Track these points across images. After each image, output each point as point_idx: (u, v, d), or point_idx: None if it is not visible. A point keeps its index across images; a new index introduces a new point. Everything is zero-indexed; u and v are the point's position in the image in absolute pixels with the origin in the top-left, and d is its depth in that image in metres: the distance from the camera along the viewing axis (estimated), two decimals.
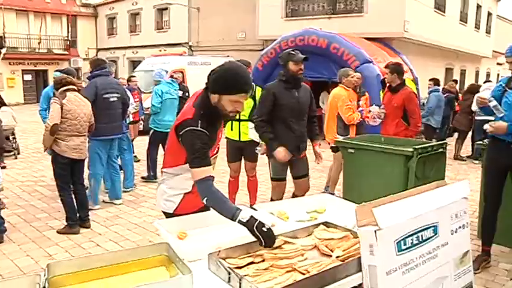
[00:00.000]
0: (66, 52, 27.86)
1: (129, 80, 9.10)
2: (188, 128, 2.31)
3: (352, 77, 6.00)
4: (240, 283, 1.75)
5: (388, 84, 5.63)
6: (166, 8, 23.71)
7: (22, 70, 26.08)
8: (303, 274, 1.91)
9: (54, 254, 4.38)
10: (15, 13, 25.84)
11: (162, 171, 2.69)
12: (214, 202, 2.27)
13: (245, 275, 1.81)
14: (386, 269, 1.97)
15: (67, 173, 4.96)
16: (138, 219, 5.43)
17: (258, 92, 5.03)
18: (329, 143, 6.21)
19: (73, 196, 5.05)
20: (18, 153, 9.45)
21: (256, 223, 2.09)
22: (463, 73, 22.78)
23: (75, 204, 5.05)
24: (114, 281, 1.90)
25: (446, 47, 18.39)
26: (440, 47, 17.77)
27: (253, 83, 5.07)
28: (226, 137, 5.29)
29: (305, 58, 4.26)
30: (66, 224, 4.99)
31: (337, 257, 2.08)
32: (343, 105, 5.84)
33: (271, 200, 4.71)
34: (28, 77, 26.50)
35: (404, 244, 2.02)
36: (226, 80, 2.33)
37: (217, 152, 2.69)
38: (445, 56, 19.38)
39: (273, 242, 2.10)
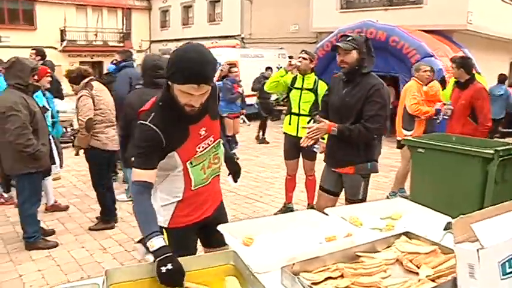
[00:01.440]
0: (121, 44, 28.52)
1: (229, 71, 8.84)
2: (139, 121, 1.99)
3: (425, 72, 5.74)
4: None
5: (455, 80, 5.23)
6: (218, 0, 23.73)
7: (80, 62, 26.97)
8: None
9: (108, 248, 4.34)
10: (75, 8, 26.82)
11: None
12: (137, 211, 1.92)
13: None
14: None
15: (105, 167, 4.86)
16: None
17: (321, 86, 4.76)
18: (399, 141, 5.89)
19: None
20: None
21: (161, 258, 1.70)
22: None
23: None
24: None
25: None
26: (505, 39, 16.64)
27: (315, 77, 4.90)
28: (284, 132, 5.07)
29: (334, 47, 3.34)
30: (100, 219, 4.92)
31: (426, 276, 1.81)
32: (409, 95, 5.56)
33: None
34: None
35: (510, 267, 1.72)
36: (174, 64, 1.87)
37: (205, 151, 2.16)
38: (510, 49, 18.16)
39: (172, 284, 1.68)
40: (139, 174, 1.94)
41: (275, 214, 5.20)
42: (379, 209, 2.67)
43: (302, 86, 4.84)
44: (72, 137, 9.43)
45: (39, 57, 6.35)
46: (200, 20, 25.27)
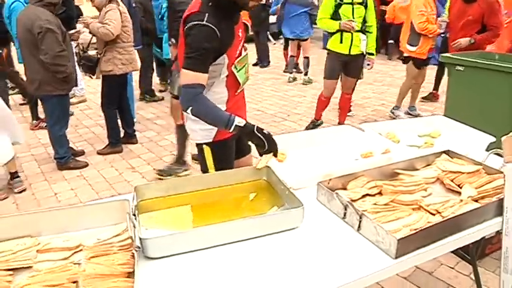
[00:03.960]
0: None
1: None
2: (192, 23, 1.83)
3: None
4: (360, 221, 1.45)
5: None
6: None
7: None
8: (433, 214, 1.57)
9: (137, 167, 4.37)
10: None
11: None
12: (201, 110, 1.84)
13: (363, 211, 1.50)
14: None
15: (117, 91, 4.65)
16: None
17: None
18: (403, 53, 5.68)
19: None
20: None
21: (256, 126, 1.79)
22: None
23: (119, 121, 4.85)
24: (208, 206, 1.68)
25: None
26: None
27: None
28: (329, 51, 4.82)
29: None
30: (108, 143, 4.80)
31: (468, 196, 1.71)
32: (416, 10, 5.15)
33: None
34: None
35: None
36: None
37: (242, 55, 2.06)
38: None
39: (277, 147, 1.80)
40: (196, 77, 1.82)
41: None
42: (416, 125, 2.54)
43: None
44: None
45: None
46: None
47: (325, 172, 1.76)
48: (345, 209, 1.52)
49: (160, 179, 4.00)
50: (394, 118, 5.73)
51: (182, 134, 3.92)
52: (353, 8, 4.53)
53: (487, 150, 2.21)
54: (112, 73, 4.42)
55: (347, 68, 4.84)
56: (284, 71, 8.75)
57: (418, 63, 5.45)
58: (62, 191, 3.93)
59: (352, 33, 4.58)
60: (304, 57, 7.71)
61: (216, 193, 1.73)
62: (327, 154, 2.08)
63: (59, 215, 1.45)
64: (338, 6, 4.56)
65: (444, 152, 2.06)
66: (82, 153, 4.71)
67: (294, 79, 8.03)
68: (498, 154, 1.95)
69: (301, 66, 8.30)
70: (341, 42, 4.65)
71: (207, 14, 1.82)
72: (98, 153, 4.73)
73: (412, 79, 5.62)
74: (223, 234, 1.38)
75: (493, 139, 2.28)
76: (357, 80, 5.05)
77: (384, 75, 8.40)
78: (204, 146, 2.14)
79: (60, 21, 3.91)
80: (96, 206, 1.48)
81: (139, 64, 5.39)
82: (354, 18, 4.54)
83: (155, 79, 7.20)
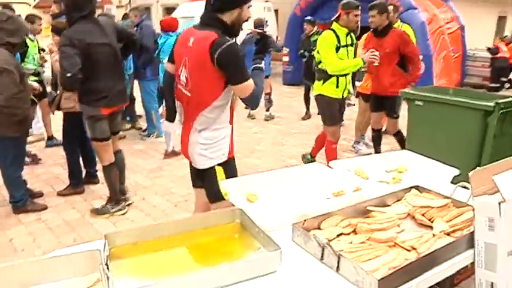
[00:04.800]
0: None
1: None
2: (224, 45, 2.10)
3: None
4: (338, 262, 1.44)
5: (373, 29, 4.92)
6: None
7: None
8: (408, 251, 1.58)
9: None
10: None
11: (192, 120, 2.34)
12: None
13: (340, 251, 1.49)
14: (508, 248, 1.63)
15: (77, 128, 4.41)
16: (183, 170, 5.15)
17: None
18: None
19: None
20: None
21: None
22: None
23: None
24: (181, 252, 1.62)
25: None
26: None
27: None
28: (323, 96, 4.66)
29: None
30: (69, 183, 4.61)
31: (441, 231, 1.73)
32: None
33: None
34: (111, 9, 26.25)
35: None
36: None
37: None
38: (498, 3, 17.90)
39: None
40: (251, 83, 2.24)
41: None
42: (383, 161, 2.58)
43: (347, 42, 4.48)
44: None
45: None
46: None
47: (299, 213, 1.75)
48: (323, 250, 1.50)
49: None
50: (356, 152, 5.86)
51: (108, 173, 3.94)
52: (347, 51, 4.46)
53: (452, 182, 2.27)
54: (73, 110, 4.28)
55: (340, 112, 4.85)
56: (245, 108, 8.82)
57: (365, 98, 5.69)
58: (18, 236, 3.72)
59: (346, 77, 4.52)
60: (266, 94, 7.81)
61: (189, 237, 1.67)
62: (299, 193, 2.07)
63: (20, 269, 1.35)
64: (337, 49, 4.39)
65: (413, 187, 2.10)
66: (40, 194, 4.50)
67: (253, 117, 8.15)
68: (464, 187, 2.01)
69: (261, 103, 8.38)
70: (337, 86, 4.53)
71: (229, 40, 2.13)
72: (58, 195, 4.54)
73: (364, 112, 5.82)
74: (199, 282, 1.32)
75: (457, 172, 2.34)
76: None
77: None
78: (216, 167, 2.38)
79: None
80: (64, 257, 1.39)
81: None
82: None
83: None
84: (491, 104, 3.61)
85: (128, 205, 4.20)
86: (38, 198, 4.41)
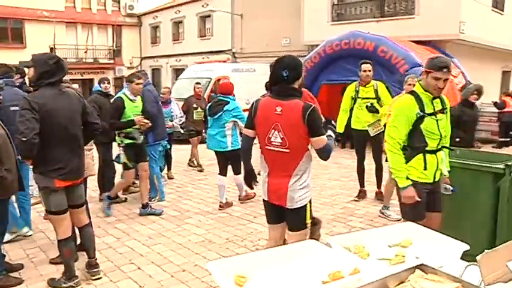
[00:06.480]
0: (111, 61, 28.33)
1: None
2: (310, 108, 2.88)
3: (409, 85, 5.50)
4: None
5: None
6: (209, 16, 23.61)
7: (70, 79, 26.63)
8: None
9: (92, 277, 4.00)
10: (64, 25, 26.64)
11: (290, 170, 2.99)
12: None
13: None
14: None
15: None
16: (182, 238, 5.00)
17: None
18: None
19: None
20: None
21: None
22: None
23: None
24: None
25: (504, 48, 17.14)
26: (497, 48, 16.59)
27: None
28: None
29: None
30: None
31: None
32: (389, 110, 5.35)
33: None
34: (75, 87, 27.04)
35: None
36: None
37: None
38: (502, 58, 18.12)
39: None
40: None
41: None
42: (386, 234, 2.40)
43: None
44: None
45: (18, 76, 6.00)
46: (191, 35, 25.14)
47: None
48: None
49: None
50: (385, 218, 5.62)
51: (61, 248, 3.78)
52: (437, 121, 3.29)
53: (462, 259, 2.08)
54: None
55: (431, 200, 3.39)
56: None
57: None
58: None
59: (436, 153, 3.34)
60: None
61: None
62: (292, 275, 1.90)
63: None
64: (420, 120, 3.25)
65: (417, 266, 1.91)
66: (20, 268, 4.20)
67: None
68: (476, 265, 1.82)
69: None
70: (425, 168, 3.31)
71: (308, 102, 2.96)
72: (51, 263, 4.33)
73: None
74: None
75: (467, 247, 2.16)
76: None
77: (351, 170, 8.22)
78: (307, 204, 3.08)
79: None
80: None
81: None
82: (440, 133, 3.31)
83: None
84: (502, 166, 3.45)
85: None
86: (18, 270, 4.13)
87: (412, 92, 3.35)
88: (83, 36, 27.54)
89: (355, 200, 6.41)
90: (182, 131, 8.54)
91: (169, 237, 5.01)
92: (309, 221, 3.11)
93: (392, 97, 6.25)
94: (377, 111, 6.11)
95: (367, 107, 6.12)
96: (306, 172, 3.04)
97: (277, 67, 2.95)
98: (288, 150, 2.94)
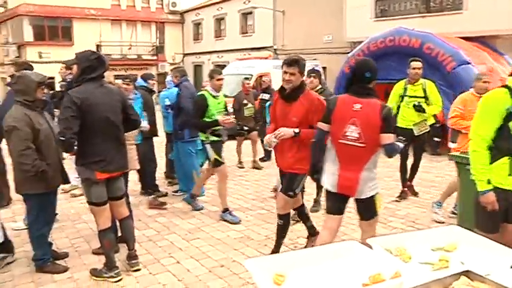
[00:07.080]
0: (154, 57, 28.97)
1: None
2: (386, 107, 3.22)
3: (484, 82, 4.95)
4: None
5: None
6: (250, 12, 23.69)
7: (114, 76, 27.42)
8: None
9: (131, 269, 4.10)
10: (110, 23, 27.54)
11: (363, 163, 3.24)
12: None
13: None
14: None
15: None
16: (221, 233, 5.04)
17: None
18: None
19: None
20: None
21: None
22: None
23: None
24: None
25: None
26: None
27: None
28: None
29: None
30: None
31: None
32: (452, 107, 5.16)
33: None
34: (119, 82, 27.87)
35: None
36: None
37: None
38: None
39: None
40: None
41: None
42: (429, 237, 2.33)
43: None
44: None
45: (69, 71, 6.25)
46: (232, 32, 25.32)
47: None
48: None
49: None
50: (435, 213, 5.43)
51: (102, 239, 3.89)
52: None
53: None
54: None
55: (510, 210, 2.94)
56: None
57: None
58: None
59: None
60: None
61: None
62: (331, 276, 1.86)
63: None
64: (509, 116, 2.83)
65: (462, 273, 1.83)
66: (65, 256, 4.39)
67: None
68: None
69: None
70: (510, 174, 2.87)
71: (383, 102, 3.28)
72: (93, 253, 4.47)
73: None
74: None
75: None
76: None
77: (394, 169, 7.74)
78: (376, 194, 3.33)
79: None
80: None
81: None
82: None
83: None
84: None
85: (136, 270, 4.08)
86: (64, 259, 4.33)
87: (506, 86, 2.91)
88: (127, 33, 28.38)
89: (396, 201, 6.26)
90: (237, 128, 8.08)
91: (208, 232, 5.06)
92: (379, 209, 3.40)
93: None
94: (424, 111, 5.92)
95: (414, 105, 5.94)
96: (375, 165, 3.33)
97: (360, 68, 3.28)
98: (363, 145, 3.18)
